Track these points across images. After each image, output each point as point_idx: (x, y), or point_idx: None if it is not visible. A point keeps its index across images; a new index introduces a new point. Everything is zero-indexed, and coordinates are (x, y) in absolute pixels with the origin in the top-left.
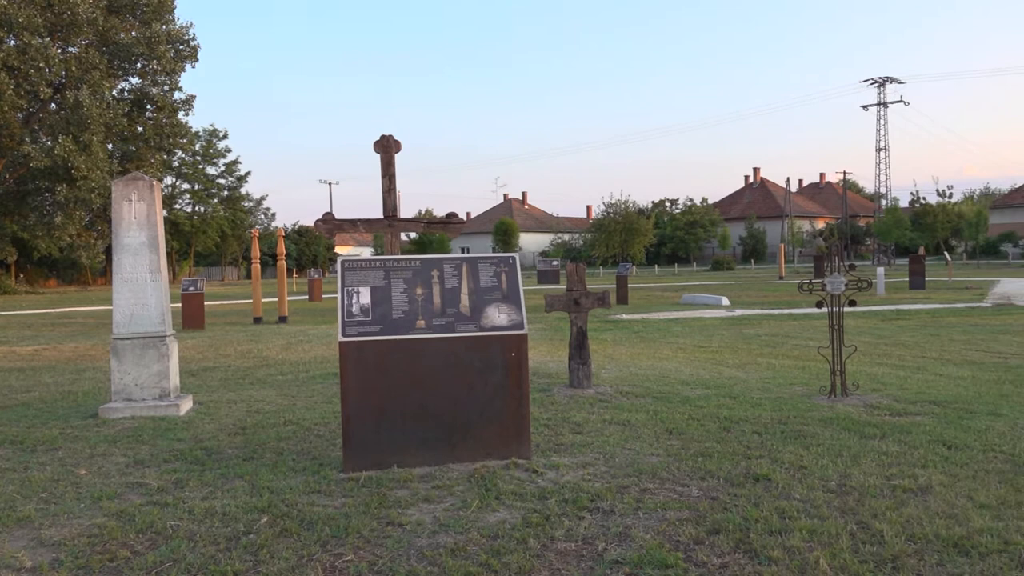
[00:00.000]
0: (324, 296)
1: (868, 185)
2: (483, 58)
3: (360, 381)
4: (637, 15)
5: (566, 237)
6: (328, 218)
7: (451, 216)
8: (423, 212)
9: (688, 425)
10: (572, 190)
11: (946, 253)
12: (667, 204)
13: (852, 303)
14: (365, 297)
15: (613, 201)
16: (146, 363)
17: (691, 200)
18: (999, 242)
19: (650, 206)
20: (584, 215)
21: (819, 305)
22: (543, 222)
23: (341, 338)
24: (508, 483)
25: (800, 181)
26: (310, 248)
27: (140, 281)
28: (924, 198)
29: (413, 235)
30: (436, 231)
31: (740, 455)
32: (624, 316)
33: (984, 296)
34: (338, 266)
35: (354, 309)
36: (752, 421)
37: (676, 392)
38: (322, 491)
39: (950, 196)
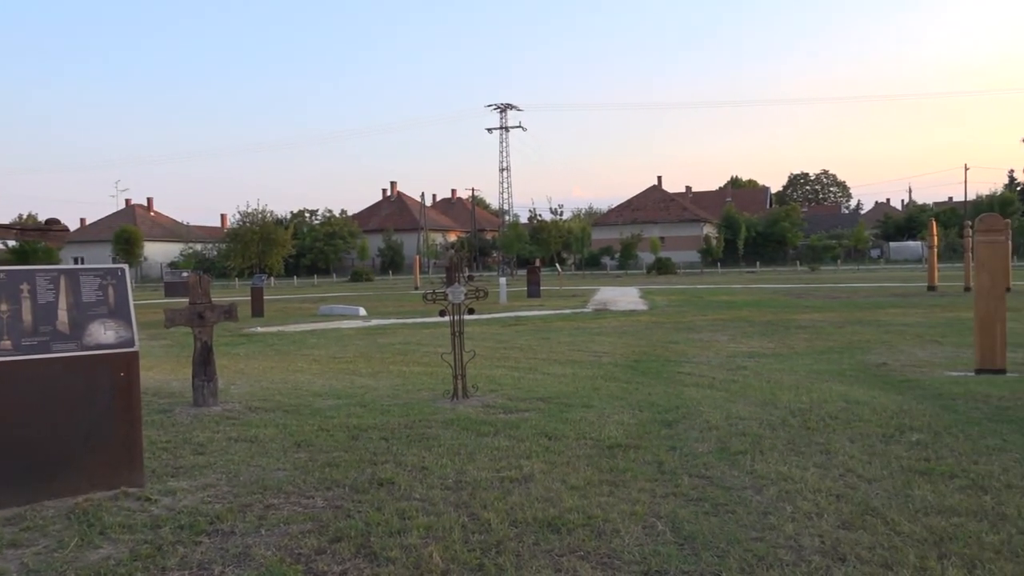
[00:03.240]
0: None
1: (494, 201)
2: (93, 46)
3: None
4: (278, 17)
5: (198, 247)
6: None
7: (52, 222)
8: (24, 218)
9: (317, 436)
10: (206, 198)
11: (558, 265)
12: (307, 215)
13: (471, 311)
14: None
15: (250, 210)
16: None
17: (331, 211)
18: (600, 255)
19: (289, 216)
20: (219, 224)
21: (442, 314)
22: (172, 231)
23: None
24: (115, 515)
25: (434, 196)
26: None
27: None
28: (540, 215)
29: (12, 243)
30: (34, 239)
31: (367, 462)
32: (259, 329)
33: (586, 303)
34: None
35: None
36: (380, 428)
37: (308, 404)
38: None
39: (561, 214)
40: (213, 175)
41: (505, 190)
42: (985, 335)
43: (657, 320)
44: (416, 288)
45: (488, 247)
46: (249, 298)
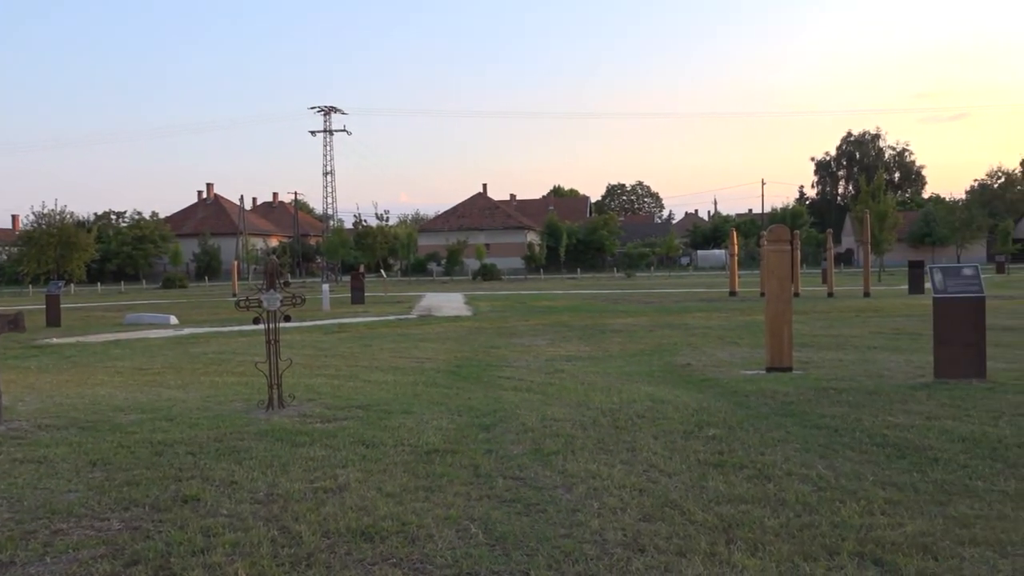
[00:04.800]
0: None
1: (318, 206)
2: None
3: None
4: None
5: None
6: None
7: None
8: None
9: (116, 454)
10: None
11: (383, 271)
12: (113, 217)
13: (288, 318)
14: None
15: (46, 211)
16: None
17: (140, 213)
18: (427, 261)
19: (92, 218)
20: (10, 226)
21: (256, 321)
22: None
23: None
24: None
25: (255, 199)
26: None
27: None
28: (366, 220)
29: None
30: None
31: (171, 478)
32: (55, 340)
33: (411, 309)
34: None
35: None
36: (187, 442)
37: (107, 420)
38: None
39: (387, 219)
40: (3, 172)
41: (329, 194)
42: (774, 337)
43: (480, 325)
44: (234, 295)
45: (312, 253)
46: (44, 306)
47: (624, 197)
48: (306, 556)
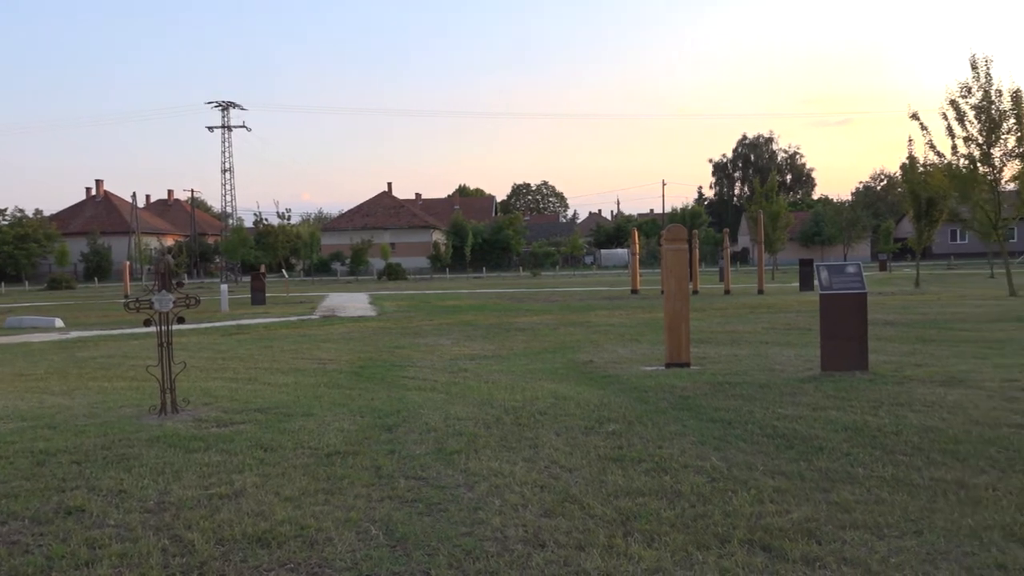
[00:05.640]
0: None
1: (216, 204)
2: None
3: None
4: None
5: None
6: None
7: None
8: None
9: None
10: None
11: (285, 271)
12: None
13: (181, 320)
14: None
15: None
16: None
17: (22, 211)
18: (330, 260)
19: None
20: None
21: (147, 323)
22: None
23: None
24: None
25: (148, 197)
26: None
27: None
28: (267, 219)
29: None
30: None
31: (53, 489)
32: None
33: (314, 309)
34: None
35: None
36: (72, 451)
37: None
38: None
39: (289, 218)
40: None
41: (228, 192)
42: (673, 333)
43: (385, 325)
44: (126, 296)
45: (210, 252)
46: None
47: (529, 197)
48: (199, 565)
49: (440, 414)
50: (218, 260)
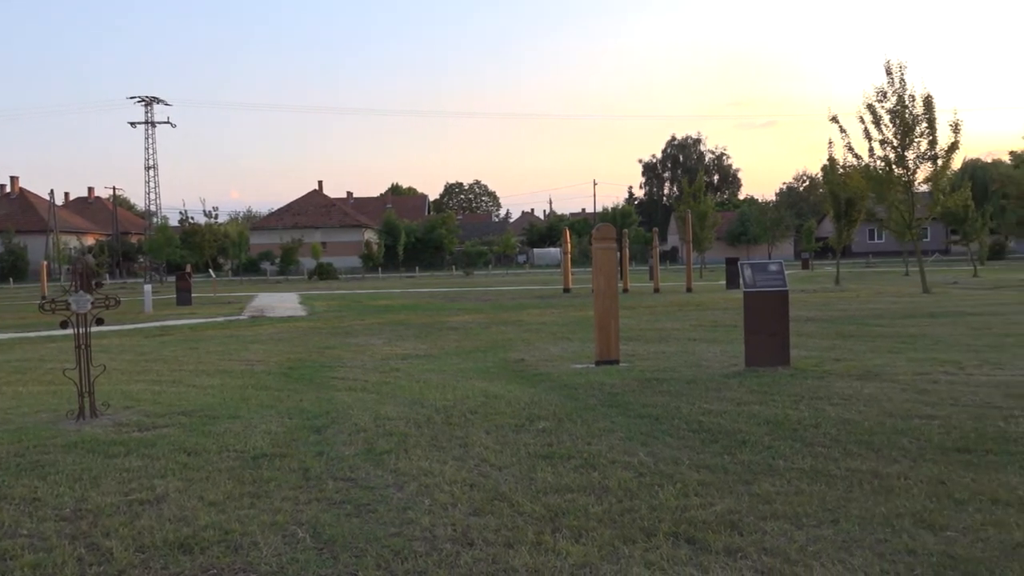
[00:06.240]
0: None
1: (140, 202)
2: None
3: None
4: None
5: None
6: None
7: None
8: None
9: None
10: None
11: (212, 271)
12: None
13: (100, 321)
14: None
15: None
16: None
17: None
18: (260, 260)
19: None
20: None
21: (63, 325)
22: None
23: None
24: None
25: (67, 195)
26: None
27: None
28: (193, 218)
29: None
30: None
31: None
32: None
33: (243, 310)
34: None
35: None
36: None
37: None
38: None
39: (216, 217)
40: None
41: (152, 190)
42: (602, 331)
43: (315, 326)
44: (43, 298)
45: (134, 252)
46: None
47: (462, 196)
48: (117, 573)
49: (370, 414)
50: (142, 260)
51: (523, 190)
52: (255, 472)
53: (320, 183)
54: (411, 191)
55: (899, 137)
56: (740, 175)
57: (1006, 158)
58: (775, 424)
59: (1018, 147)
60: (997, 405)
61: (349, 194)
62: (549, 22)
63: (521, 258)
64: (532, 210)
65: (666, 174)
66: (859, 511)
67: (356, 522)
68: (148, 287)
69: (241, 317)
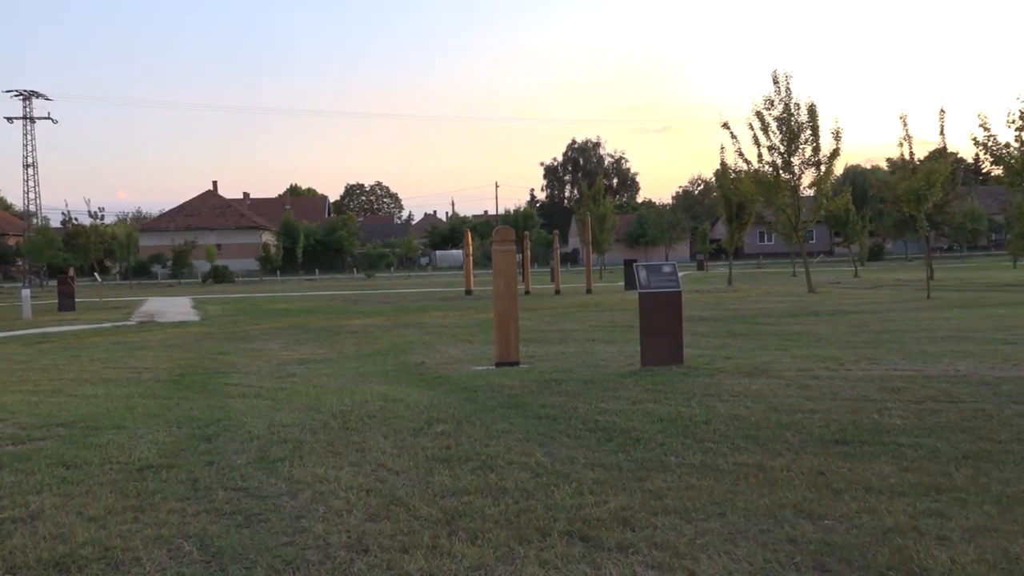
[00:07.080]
0: None
1: (18, 202)
2: None
3: None
4: None
5: None
6: None
7: None
8: None
9: None
10: None
11: (97, 274)
12: None
13: None
14: None
15: None
16: None
17: None
18: (150, 263)
19: None
20: None
21: None
22: None
23: None
24: None
25: None
26: None
27: None
28: (77, 219)
29: None
30: None
31: None
32: None
33: (131, 315)
34: None
35: None
36: None
37: None
38: None
39: (102, 217)
40: None
41: (32, 189)
42: (502, 333)
43: (209, 331)
44: None
45: (11, 254)
46: None
47: (363, 197)
48: None
49: (264, 421)
50: (20, 263)
51: (426, 192)
52: (140, 484)
53: (215, 183)
54: (311, 192)
55: (785, 143)
56: (638, 179)
57: (883, 164)
58: (668, 421)
59: (894, 154)
60: (872, 398)
61: (246, 195)
62: (452, 26)
63: (424, 260)
64: (435, 212)
65: (567, 177)
66: (744, 503)
67: (247, 532)
68: (27, 292)
69: (129, 323)
